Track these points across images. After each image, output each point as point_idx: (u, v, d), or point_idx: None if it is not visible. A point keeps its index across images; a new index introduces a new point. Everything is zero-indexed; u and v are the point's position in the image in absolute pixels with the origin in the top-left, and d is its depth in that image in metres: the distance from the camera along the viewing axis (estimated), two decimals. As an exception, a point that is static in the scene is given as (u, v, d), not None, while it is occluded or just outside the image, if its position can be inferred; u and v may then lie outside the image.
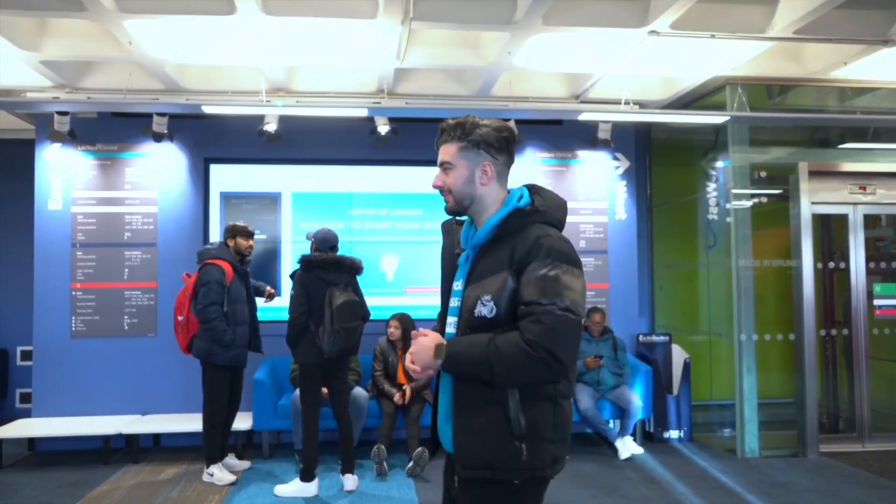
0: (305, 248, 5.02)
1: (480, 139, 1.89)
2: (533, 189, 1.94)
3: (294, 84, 5.85)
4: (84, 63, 5.53)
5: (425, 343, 1.80)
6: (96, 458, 5.69)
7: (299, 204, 6.57)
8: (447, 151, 1.92)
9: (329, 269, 4.75)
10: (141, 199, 6.30)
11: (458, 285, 1.95)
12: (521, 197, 1.90)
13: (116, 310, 6.22)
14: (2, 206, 7.55)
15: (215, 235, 6.41)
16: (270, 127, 5.88)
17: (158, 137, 5.97)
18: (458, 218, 2.07)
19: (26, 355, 7.45)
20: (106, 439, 5.63)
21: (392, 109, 5.80)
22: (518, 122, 5.95)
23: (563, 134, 6.78)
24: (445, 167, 1.92)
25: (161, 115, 5.85)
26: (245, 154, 6.48)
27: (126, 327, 6.23)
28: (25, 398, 7.41)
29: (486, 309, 1.77)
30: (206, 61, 5.27)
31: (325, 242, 4.90)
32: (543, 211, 1.87)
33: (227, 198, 6.49)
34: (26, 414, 7.01)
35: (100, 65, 5.61)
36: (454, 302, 1.94)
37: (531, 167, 6.72)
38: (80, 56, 5.10)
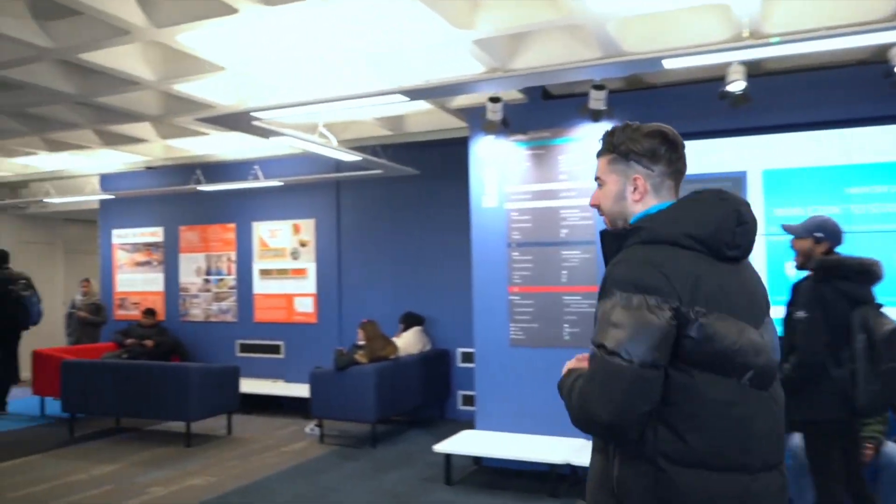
0: (783, 245, 3.54)
1: (629, 149, 1.66)
2: (692, 195, 1.63)
3: (768, 25, 4.37)
4: (516, 39, 4.88)
5: (572, 364, 1.68)
6: (541, 487, 5.06)
7: (773, 185, 5.05)
8: (599, 166, 1.74)
9: (854, 279, 3.23)
10: (577, 190, 5.50)
11: None
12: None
13: (555, 317, 5.53)
14: (441, 209, 7.61)
15: (663, 229, 5.31)
16: (736, 86, 4.51)
17: (597, 115, 5.07)
18: None
19: (467, 357, 7.37)
20: (552, 466, 4.95)
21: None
22: None
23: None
24: (599, 183, 1.74)
25: (599, 87, 4.94)
26: (696, 127, 5.21)
27: (567, 337, 5.49)
28: (467, 400, 7.33)
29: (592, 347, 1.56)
30: (658, 5, 4.15)
31: (836, 237, 3.40)
32: (640, 229, 1.58)
33: (676, 182, 5.32)
34: (469, 417, 6.88)
35: (532, 41, 4.92)
36: None
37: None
38: (515, 28, 4.42)
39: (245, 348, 8.68)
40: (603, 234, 1.68)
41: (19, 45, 4.60)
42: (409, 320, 7.37)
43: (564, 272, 5.51)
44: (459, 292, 7.27)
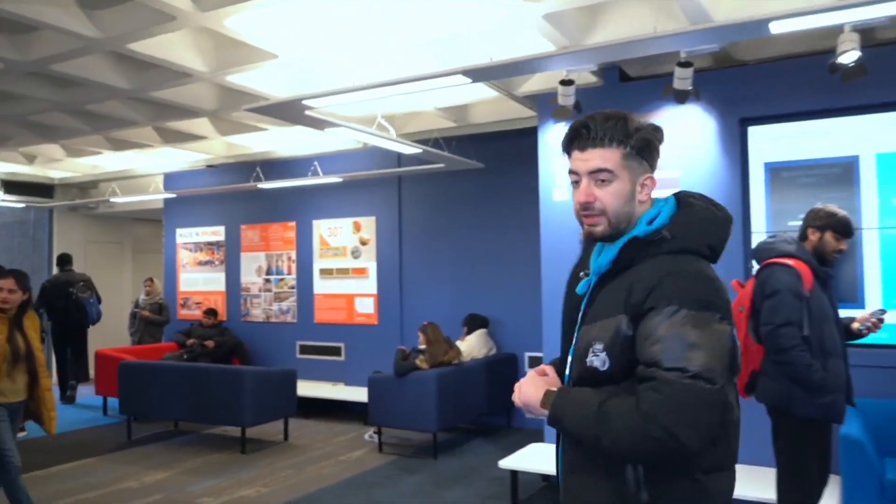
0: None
1: (647, 144, 1.53)
2: (683, 200, 1.57)
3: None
4: (590, 12, 4.39)
5: (537, 382, 1.57)
6: None
7: (889, 170, 4.41)
8: (606, 157, 1.51)
9: None
10: (660, 180, 4.96)
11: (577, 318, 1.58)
12: (657, 215, 1.53)
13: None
14: (508, 204, 7.18)
15: (759, 221, 4.73)
16: (849, 56, 3.90)
17: (682, 97, 4.53)
18: None
19: (535, 362, 6.91)
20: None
21: None
22: None
23: None
24: (602, 177, 1.51)
25: (685, 65, 4.40)
26: (798, 107, 4.62)
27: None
28: (535, 409, 6.87)
29: (597, 360, 1.47)
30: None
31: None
32: (673, 238, 1.49)
33: (773, 170, 4.72)
34: (536, 426, 6.45)
35: (608, 14, 4.42)
36: (575, 339, 1.57)
37: None
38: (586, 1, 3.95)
39: (305, 350, 8.44)
40: (632, 240, 1.52)
41: (68, 35, 4.44)
42: (473, 322, 6.96)
43: (644, 272, 4.99)
44: (527, 292, 6.83)
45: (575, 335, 1.58)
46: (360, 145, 7.38)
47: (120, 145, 7.96)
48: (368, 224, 8.06)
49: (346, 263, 8.22)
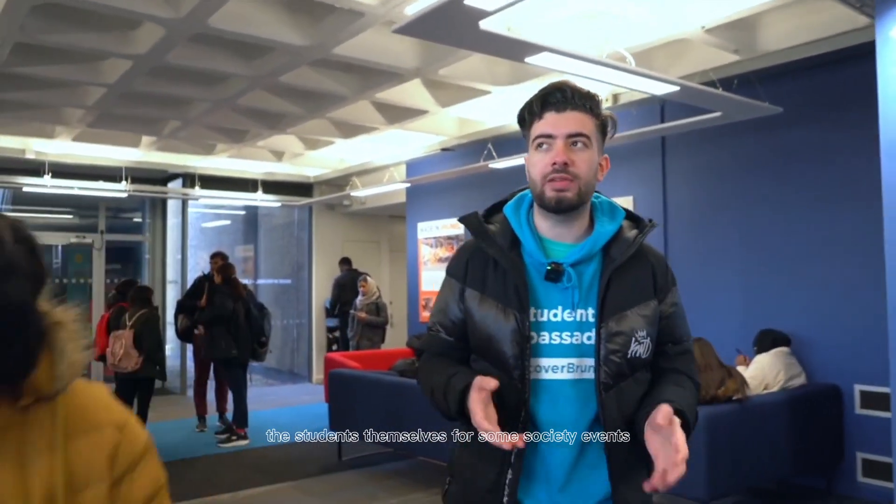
0: None
1: (608, 124, 1.50)
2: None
3: None
4: None
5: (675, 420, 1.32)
6: None
7: None
8: (584, 122, 1.45)
9: None
10: None
11: (567, 315, 1.47)
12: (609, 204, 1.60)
13: None
14: (820, 169, 4.94)
15: None
16: None
17: None
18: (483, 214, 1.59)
19: (872, 399, 4.61)
20: None
21: None
22: None
23: None
24: (579, 141, 1.45)
25: None
26: None
27: None
28: (875, 469, 4.57)
29: (642, 348, 1.47)
30: None
31: None
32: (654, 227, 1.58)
33: None
34: (879, 496, 4.29)
35: None
36: (563, 338, 1.46)
37: None
38: None
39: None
40: (645, 229, 1.55)
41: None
42: (768, 340, 4.84)
43: None
44: (856, 297, 4.63)
45: (586, 331, 1.46)
46: (605, 105, 5.70)
47: (347, 131, 7.34)
48: (625, 206, 6.30)
49: (598, 258, 6.56)
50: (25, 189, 8.16)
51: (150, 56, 4.76)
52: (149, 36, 4.55)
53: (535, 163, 1.47)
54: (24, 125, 7.15)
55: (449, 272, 1.60)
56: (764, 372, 4.63)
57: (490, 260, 1.51)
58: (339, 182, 10.01)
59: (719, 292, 5.49)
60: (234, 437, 6.45)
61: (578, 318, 1.47)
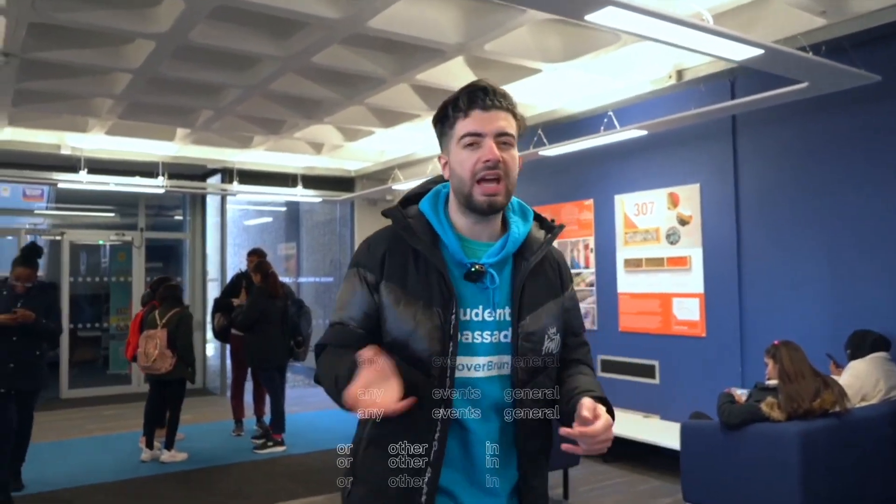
0: None
1: (523, 123, 1.54)
2: None
3: None
4: None
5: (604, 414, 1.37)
6: None
7: None
8: (509, 122, 1.48)
9: None
10: None
11: (488, 315, 1.49)
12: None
13: None
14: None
15: None
16: None
17: None
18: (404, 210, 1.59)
19: None
20: None
21: None
22: None
23: None
24: (505, 141, 1.47)
25: None
26: None
27: None
28: None
29: (553, 344, 1.53)
30: None
31: None
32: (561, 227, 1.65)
33: None
34: None
35: None
36: (484, 337, 1.48)
37: None
38: None
39: (608, 366, 6.41)
40: (557, 229, 1.63)
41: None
42: (863, 344, 4.23)
43: None
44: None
45: (504, 330, 1.49)
46: (668, 82, 5.15)
47: (387, 119, 6.93)
48: (690, 195, 5.73)
49: (660, 251, 6.00)
50: (62, 185, 7.99)
51: (173, 35, 4.42)
52: (169, 11, 4.20)
53: (462, 161, 1.46)
54: (57, 118, 6.94)
55: (360, 264, 1.55)
56: (861, 380, 4.02)
57: (410, 255, 1.49)
58: (381, 176, 9.61)
59: (804, 289, 4.88)
60: (270, 444, 6.09)
61: (497, 318, 1.49)
